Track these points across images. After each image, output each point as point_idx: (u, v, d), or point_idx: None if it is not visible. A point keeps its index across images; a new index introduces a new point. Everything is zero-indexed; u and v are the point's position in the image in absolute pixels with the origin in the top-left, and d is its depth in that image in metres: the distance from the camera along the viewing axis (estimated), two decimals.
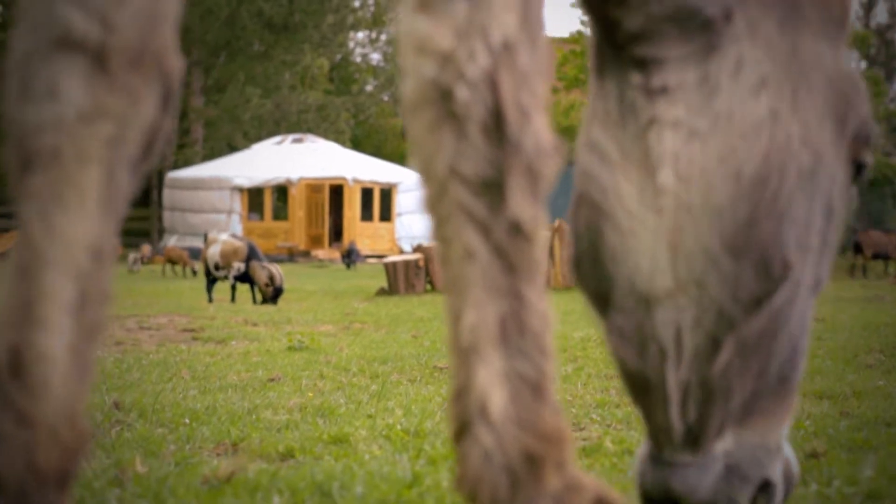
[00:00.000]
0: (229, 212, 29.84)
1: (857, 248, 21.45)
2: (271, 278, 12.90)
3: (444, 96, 1.24)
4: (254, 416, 3.21)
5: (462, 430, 1.23)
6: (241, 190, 30.12)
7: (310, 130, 36.44)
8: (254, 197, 31.22)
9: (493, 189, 1.24)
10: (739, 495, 1.43)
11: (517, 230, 1.25)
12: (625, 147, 1.40)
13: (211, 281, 13.69)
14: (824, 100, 1.42)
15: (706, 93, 1.36)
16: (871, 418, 3.15)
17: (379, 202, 31.45)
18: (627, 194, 1.39)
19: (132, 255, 22.86)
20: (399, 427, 2.89)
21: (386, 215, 31.68)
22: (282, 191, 31.77)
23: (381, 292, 14.14)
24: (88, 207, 1.15)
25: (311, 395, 3.96)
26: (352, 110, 41.25)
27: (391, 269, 14.26)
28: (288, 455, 2.53)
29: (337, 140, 36.69)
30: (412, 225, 30.54)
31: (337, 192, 30.93)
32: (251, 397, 3.87)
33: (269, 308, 11.59)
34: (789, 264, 1.36)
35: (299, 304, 12.30)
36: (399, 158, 36.63)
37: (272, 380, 4.67)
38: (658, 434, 1.44)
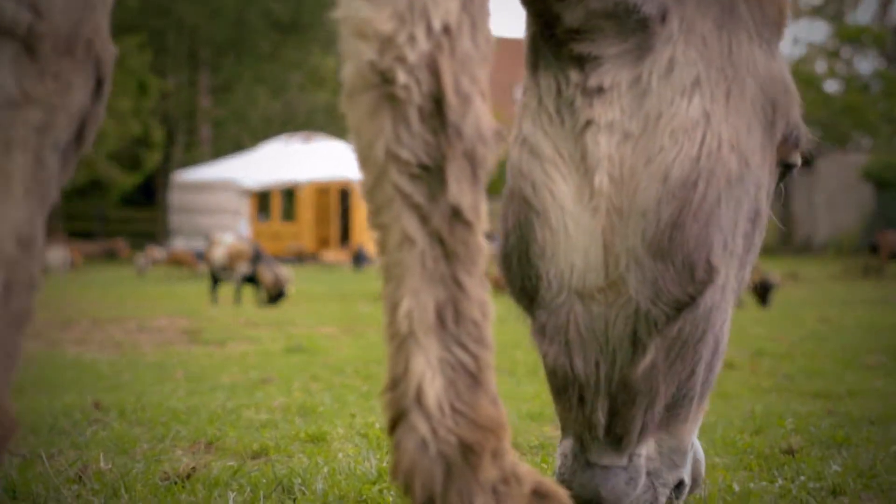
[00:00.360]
0: (236, 213, 29.78)
1: (874, 249, 21.19)
2: (277, 280, 12.92)
3: (383, 80, 1.22)
4: (234, 416, 3.17)
5: (397, 419, 1.20)
6: (248, 192, 30.08)
7: (321, 129, 36.38)
8: (261, 199, 31.18)
9: (431, 175, 1.22)
10: (658, 500, 1.44)
11: (456, 217, 1.23)
12: (559, 144, 1.40)
13: (215, 282, 13.74)
14: (755, 103, 1.42)
15: (638, 94, 1.37)
16: (857, 416, 3.09)
17: None
18: (561, 191, 1.39)
19: (141, 257, 22.78)
20: (377, 425, 2.85)
21: None
22: (289, 193, 31.73)
23: None
24: (15, 194, 1.14)
25: (297, 394, 3.94)
26: None
27: None
28: (261, 453, 2.49)
29: (346, 140, 36.60)
30: None
31: (345, 193, 30.90)
32: (238, 398, 3.83)
33: (272, 310, 11.59)
34: (714, 268, 1.35)
35: (304, 306, 12.30)
36: None
37: (265, 381, 4.65)
38: (582, 432, 1.44)
